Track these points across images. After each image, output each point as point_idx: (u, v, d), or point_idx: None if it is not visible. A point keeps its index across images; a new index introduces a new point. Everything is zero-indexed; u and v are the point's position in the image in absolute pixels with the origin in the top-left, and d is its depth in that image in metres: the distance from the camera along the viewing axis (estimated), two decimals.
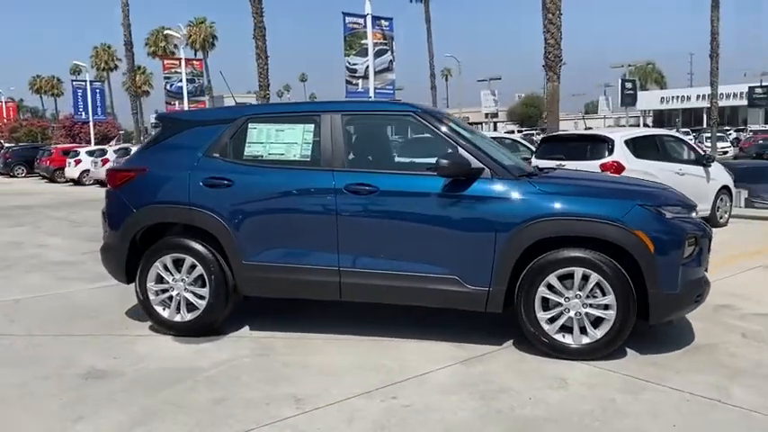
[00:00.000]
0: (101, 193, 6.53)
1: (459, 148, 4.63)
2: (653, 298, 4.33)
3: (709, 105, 48.26)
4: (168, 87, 32.07)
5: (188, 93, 30.51)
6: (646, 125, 57.16)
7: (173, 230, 5.21)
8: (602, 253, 4.37)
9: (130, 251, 5.17)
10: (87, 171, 26.69)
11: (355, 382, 4.13)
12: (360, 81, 20.40)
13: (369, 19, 19.73)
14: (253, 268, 4.89)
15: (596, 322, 4.44)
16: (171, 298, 5.10)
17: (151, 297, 5.12)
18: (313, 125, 4.94)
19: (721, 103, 45.64)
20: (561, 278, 4.44)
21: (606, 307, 4.39)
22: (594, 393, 3.93)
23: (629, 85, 41.56)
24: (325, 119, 4.90)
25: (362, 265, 4.73)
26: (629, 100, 41.18)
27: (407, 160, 5.31)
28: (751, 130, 48.21)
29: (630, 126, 45.61)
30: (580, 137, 10.59)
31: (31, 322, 5.59)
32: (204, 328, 5.07)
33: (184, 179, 5.01)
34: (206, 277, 4.98)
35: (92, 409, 3.78)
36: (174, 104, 31.56)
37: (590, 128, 31.81)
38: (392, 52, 21.08)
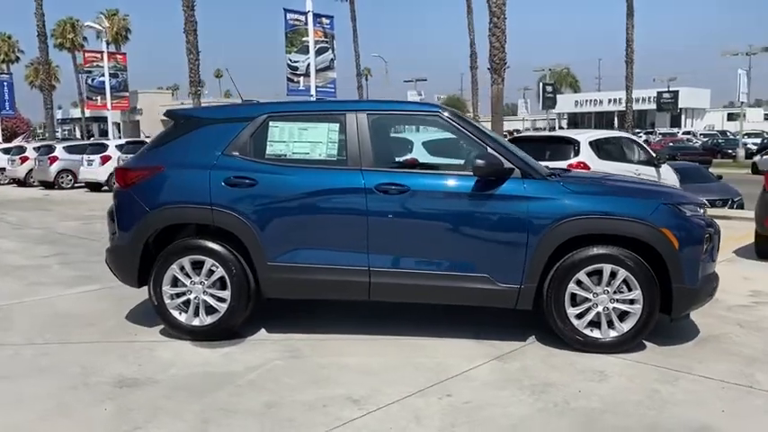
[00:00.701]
0: (23, 192, 6.23)
1: (488, 149, 4.71)
2: (677, 292, 4.56)
3: (620, 109, 50.77)
4: (90, 82, 30.68)
5: (111, 87, 29.25)
6: (561, 127, 59.50)
7: (185, 232, 5.03)
8: (628, 250, 4.56)
9: (144, 253, 4.96)
10: (3, 170, 25.19)
11: (402, 381, 4.14)
12: (301, 79, 20.23)
13: (310, 16, 19.62)
14: (278, 269, 4.80)
15: (622, 316, 4.63)
16: (188, 302, 4.93)
17: (167, 301, 4.93)
18: (338, 124, 4.89)
19: None
20: (589, 274, 4.61)
21: (632, 302, 4.59)
22: (636, 384, 4.10)
23: (549, 88, 43.14)
24: (350, 118, 4.87)
25: (393, 264, 4.74)
26: (549, 103, 42.76)
27: (434, 160, 5.34)
28: (660, 133, 51.08)
29: (551, 128, 47.35)
30: (546, 138, 10.95)
31: (26, 330, 5.26)
32: (224, 331, 4.93)
33: (204, 178, 4.85)
34: (227, 279, 4.84)
35: (144, 418, 3.62)
36: (96, 99, 30.21)
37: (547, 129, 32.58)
38: (333, 50, 21.03)
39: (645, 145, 11.85)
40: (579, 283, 4.61)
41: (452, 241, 4.67)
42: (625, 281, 4.57)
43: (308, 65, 19.93)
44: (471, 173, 4.66)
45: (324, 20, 20.74)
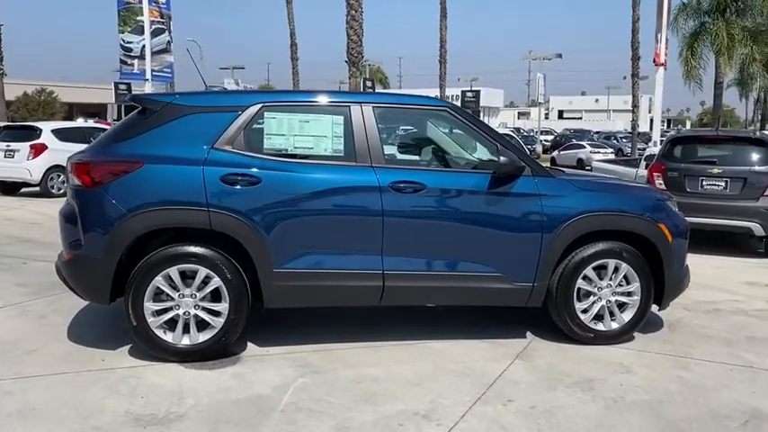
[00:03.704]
0: None
1: (498, 145, 4.65)
2: (668, 283, 4.87)
3: None
4: None
5: None
6: None
7: (162, 238, 4.33)
8: (628, 244, 4.78)
9: (119, 264, 4.19)
10: None
11: (451, 390, 3.95)
12: (136, 61, 18.55)
13: None
14: (285, 276, 4.33)
15: (621, 308, 4.84)
16: (173, 318, 4.26)
17: (149, 319, 4.22)
18: (342, 117, 4.52)
19: None
20: (594, 269, 4.75)
21: (630, 294, 4.82)
22: (660, 374, 4.30)
23: (369, 83, 44.05)
24: (355, 110, 4.52)
25: (408, 267, 4.50)
26: None
27: (444, 157, 5.12)
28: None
29: None
30: None
31: None
32: (220, 349, 4.34)
33: (197, 175, 4.21)
34: (224, 290, 4.26)
35: None
36: None
37: None
38: (170, 32, 19.55)
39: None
40: (585, 278, 4.74)
41: (469, 240, 4.55)
42: (625, 274, 4.78)
43: (143, 46, 18.30)
44: (483, 170, 4.60)
45: None
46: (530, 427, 3.50)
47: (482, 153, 4.74)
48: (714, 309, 5.91)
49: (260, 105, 4.45)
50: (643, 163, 10.97)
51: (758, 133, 8.97)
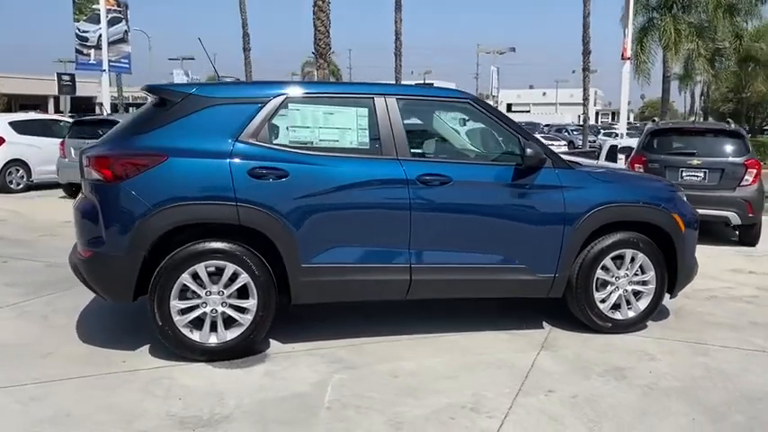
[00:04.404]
0: None
1: (520, 138, 4.66)
2: (680, 271, 4.99)
3: None
4: None
5: None
6: None
7: (185, 234, 4.18)
8: (643, 234, 4.87)
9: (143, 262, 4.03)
10: None
11: (489, 381, 3.96)
12: (92, 51, 17.91)
13: None
14: (313, 271, 4.25)
15: (637, 297, 4.94)
16: (200, 317, 4.14)
17: (176, 318, 4.08)
18: (366, 109, 4.46)
19: None
20: (612, 259, 4.83)
21: (645, 283, 4.92)
22: (683, 360, 4.40)
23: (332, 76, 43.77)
24: (379, 102, 4.46)
25: (435, 260, 4.48)
26: None
27: (466, 149, 5.10)
28: None
29: None
30: None
31: None
32: (247, 347, 4.24)
33: (224, 169, 4.09)
34: (252, 286, 4.16)
35: None
36: None
37: None
38: (127, 22, 18.94)
39: None
40: (603, 268, 4.81)
41: (493, 233, 4.56)
42: (641, 264, 4.88)
43: (100, 36, 17.67)
44: (506, 162, 4.62)
45: None
46: (578, 416, 3.54)
47: (505, 146, 4.74)
48: (711, 296, 6.10)
49: (284, 97, 4.34)
50: (621, 156, 11.21)
51: (733, 125, 9.25)
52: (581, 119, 36.17)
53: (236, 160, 4.12)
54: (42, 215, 10.39)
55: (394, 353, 4.41)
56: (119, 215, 4.02)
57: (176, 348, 4.13)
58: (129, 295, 4.10)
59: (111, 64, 18.23)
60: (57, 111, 37.73)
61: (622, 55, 15.81)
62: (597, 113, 74.27)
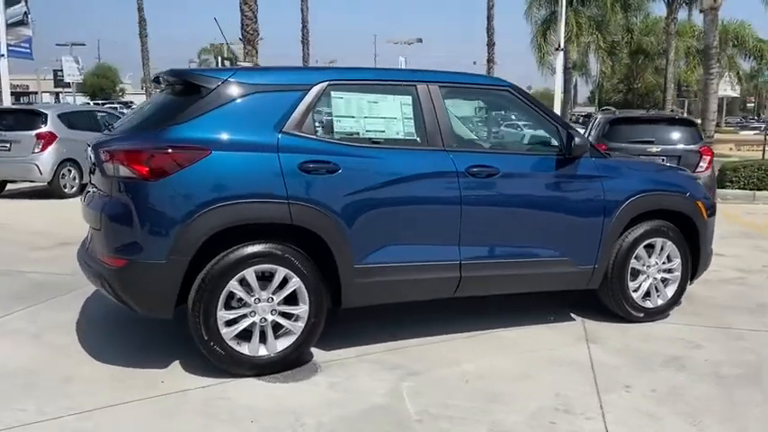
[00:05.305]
0: None
1: (558, 126, 4.55)
2: (702, 258, 5.07)
3: None
4: None
5: None
6: None
7: (227, 236, 3.74)
8: (670, 222, 4.90)
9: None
10: None
11: (563, 380, 3.82)
12: None
13: None
14: (366, 272, 3.94)
15: (665, 284, 4.97)
16: (248, 327, 3.74)
17: (223, 331, 3.66)
18: (410, 97, 4.18)
19: None
20: (644, 248, 4.83)
21: (671, 270, 4.95)
22: (726, 346, 4.43)
23: (227, 63, 42.47)
24: (422, 89, 4.20)
25: (484, 255, 4.29)
26: None
27: (505, 138, 4.89)
28: None
29: None
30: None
31: None
32: (298, 357, 3.89)
33: (273, 164, 3.70)
34: (304, 291, 3.80)
35: None
36: None
37: None
38: (26, 2, 17.36)
39: None
40: (636, 257, 4.80)
41: (539, 225, 4.43)
42: (669, 252, 4.91)
43: None
44: (548, 152, 4.50)
45: None
46: (671, 411, 3.45)
47: (544, 135, 4.61)
48: (703, 279, 6.25)
49: (326, 84, 3.99)
50: None
51: (679, 114, 9.64)
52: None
53: (285, 154, 3.73)
54: None
55: (446, 355, 4.18)
56: (159, 217, 3.53)
57: (223, 364, 3.70)
58: (170, 308, 3.63)
59: (11, 48, 16.62)
60: None
61: (558, 46, 16.26)
62: None
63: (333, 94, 4.00)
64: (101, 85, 63.09)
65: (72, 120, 11.91)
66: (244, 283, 3.69)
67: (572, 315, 5.00)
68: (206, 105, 3.73)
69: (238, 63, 4.79)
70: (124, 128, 4.00)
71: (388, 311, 4.85)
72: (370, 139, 4.03)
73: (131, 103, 47.59)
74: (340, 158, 3.86)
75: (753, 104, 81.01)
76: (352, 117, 4.04)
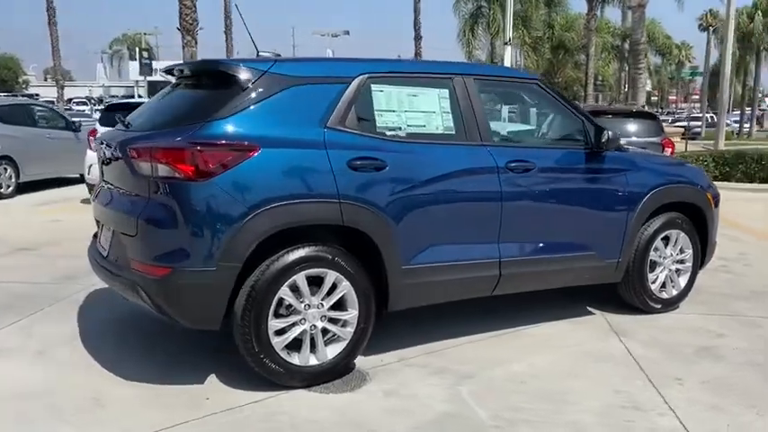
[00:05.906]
0: None
1: (583, 119, 4.53)
2: (708, 248, 5.19)
3: None
4: None
5: None
6: (140, 95, 56.79)
7: (270, 241, 3.48)
8: (682, 214, 4.99)
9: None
10: None
11: (613, 376, 3.80)
12: None
13: None
14: (413, 273, 3.78)
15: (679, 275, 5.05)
16: (298, 336, 3.51)
17: (273, 341, 3.41)
18: (447, 90, 4.03)
19: None
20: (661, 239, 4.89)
21: (683, 261, 5.05)
22: (746, 334, 4.53)
23: (146, 54, 40.92)
24: (458, 82, 4.07)
25: (521, 252, 4.22)
26: (146, 69, 40.51)
27: (534, 132, 4.79)
28: None
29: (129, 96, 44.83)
30: None
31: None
32: (347, 365, 3.69)
33: (323, 161, 3.47)
34: (353, 295, 3.61)
35: None
36: None
37: None
38: None
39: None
40: (655, 249, 4.86)
41: (571, 219, 4.40)
42: (682, 243, 5.00)
43: None
44: (575, 146, 4.47)
45: None
46: (732, 402, 3.47)
47: (570, 129, 4.57)
48: None
49: (366, 76, 3.78)
50: None
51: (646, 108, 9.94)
52: None
53: (333, 150, 3.52)
54: None
55: (488, 355, 4.08)
56: (207, 221, 3.24)
57: (273, 376, 3.45)
58: (219, 319, 3.35)
59: None
60: None
61: (507, 41, 16.46)
62: None
63: (373, 87, 3.80)
64: (1, 76, 59.15)
65: (5, 114, 11.05)
66: (294, 288, 3.45)
67: (589, 308, 5.01)
68: (248, 99, 3.45)
69: (260, 54, 4.46)
70: (148, 124, 3.66)
71: (409, 311, 4.71)
72: (411, 133, 3.86)
73: (37, 95, 45.07)
74: (386, 155, 3.67)
75: (656, 98, 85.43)
76: (393, 111, 3.85)
